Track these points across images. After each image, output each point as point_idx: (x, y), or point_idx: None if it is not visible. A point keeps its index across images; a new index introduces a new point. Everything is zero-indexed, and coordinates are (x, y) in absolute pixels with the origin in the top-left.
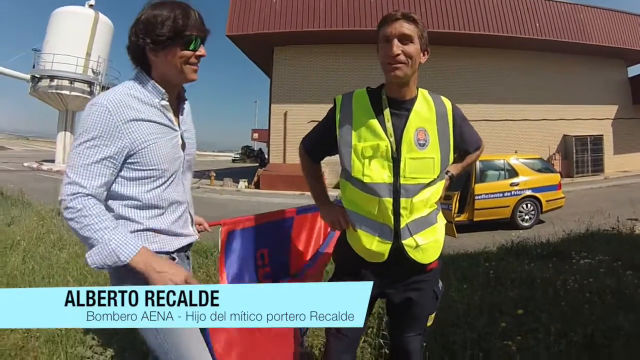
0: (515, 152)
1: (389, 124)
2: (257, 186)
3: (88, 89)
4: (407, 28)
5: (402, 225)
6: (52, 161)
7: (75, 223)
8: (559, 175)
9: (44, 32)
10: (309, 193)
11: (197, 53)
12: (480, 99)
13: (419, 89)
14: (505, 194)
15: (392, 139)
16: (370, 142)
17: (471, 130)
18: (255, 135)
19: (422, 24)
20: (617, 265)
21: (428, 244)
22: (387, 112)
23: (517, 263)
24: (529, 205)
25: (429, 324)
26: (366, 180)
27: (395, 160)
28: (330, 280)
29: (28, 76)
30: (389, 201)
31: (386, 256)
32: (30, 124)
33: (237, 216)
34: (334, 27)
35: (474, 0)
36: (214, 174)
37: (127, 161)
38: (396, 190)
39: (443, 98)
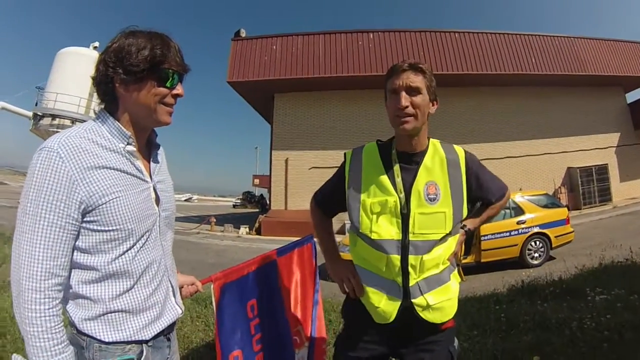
0: (520, 190)
1: (398, 179)
2: (258, 232)
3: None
4: (414, 80)
5: (412, 283)
6: None
7: (32, 337)
8: (566, 209)
9: (48, 71)
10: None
11: (174, 92)
12: (481, 139)
13: (431, 139)
14: (512, 233)
15: (402, 195)
16: (379, 198)
17: (491, 177)
18: (256, 181)
19: (430, 74)
20: (634, 299)
21: (440, 304)
22: (396, 168)
23: (529, 304)
24: (537, 242)
25: None
26: (374, 236)
27: (405, 216)
28: (339, 336)
29: (30, 113)
30: (396, 258)
31: (393, 316)
32: (27, 160)
33: (239, 263)
34: (333, 74)
35: (470, 40)
36: (215, 219)
37: (84, 220)
38: (404, 247)
39: (456, 147)
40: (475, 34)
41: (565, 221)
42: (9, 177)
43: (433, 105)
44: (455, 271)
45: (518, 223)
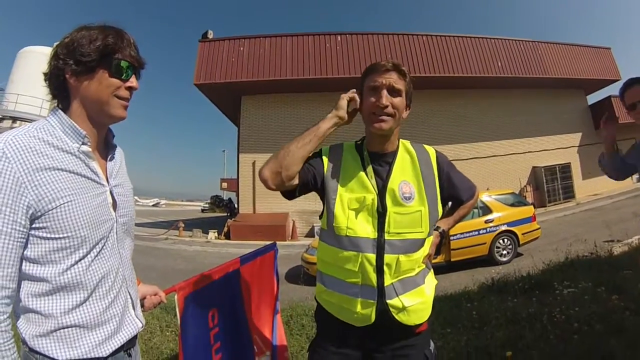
0: (487, 189)
1: (372, 181)
2: (227, 237)
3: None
4: (397, 81)
5: (387, 283)
6: None
7: None
8: (532, 207)
9: (8, 71)
10: (280, 242)
11: (128, 84)
12: (448, 140)
13: (400, 140)
14: (481, 232)
15: (377, 195)
16: (357, 195)
17: (461, 176)
18: (224, 184)
19: (410, 79)
20: (601, 291)
21: (415, 306)
22: (370, 169)
23: (500, 301)
24: (505, 240)
25: None
26: (349, 233)
27: (381, 215)
28: (313, 342)
29: None
30: (372, 257)
31: (373, 318)
32: None
33: (209, 268)
34: (301, 76)
35: (437, 43)
36: (183, 225)
37: (32, 226)
38: (380, 246)
39: (426, 146)
40: (442, 37)
41: (532, 219)
42: None
43: (406, 110)
44: (431, 273)
45: (486, 222)
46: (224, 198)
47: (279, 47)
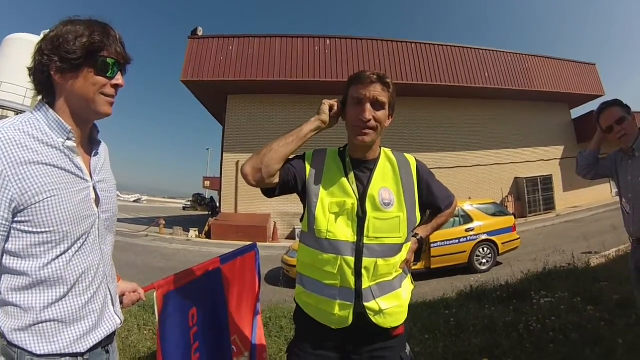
0: (469, 198)
1: (354, 186)
2: (208, 236)
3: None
4: (382, 94)
5: (365, 286)
6: None
7: None
8: (513, 217)
9: None
10: (261, 244)
11: (114, 82)
12: (432, 148)
13: (382, 148)
14: (462, 240)
15: (357, 201)
16: (338, 199)
17: (440, 185)
18: (207, 183)
19: (394, 89)
20: (577, 301)
21: (392, 309)
22: (351, 176)
23: (478, 308)
24: (485, 249)
25: None
26: (329, 236)
27: (361, 219)
28: (291, 344)
29: None
30: (351, 260)
31: (350, 320)
32: None
33: (187, 267)
34: (288, 78)
35: (424, 52)
36: (164, 222)
37: (14, 220)
38: (359, 250)
39: (407, 155)
40: (430, 45)
41: (512, 229)
42: None
43: (389, 118)
44: (408, 278)
45: (467, 230)
46: (206, 197)
47: (267, 47)
